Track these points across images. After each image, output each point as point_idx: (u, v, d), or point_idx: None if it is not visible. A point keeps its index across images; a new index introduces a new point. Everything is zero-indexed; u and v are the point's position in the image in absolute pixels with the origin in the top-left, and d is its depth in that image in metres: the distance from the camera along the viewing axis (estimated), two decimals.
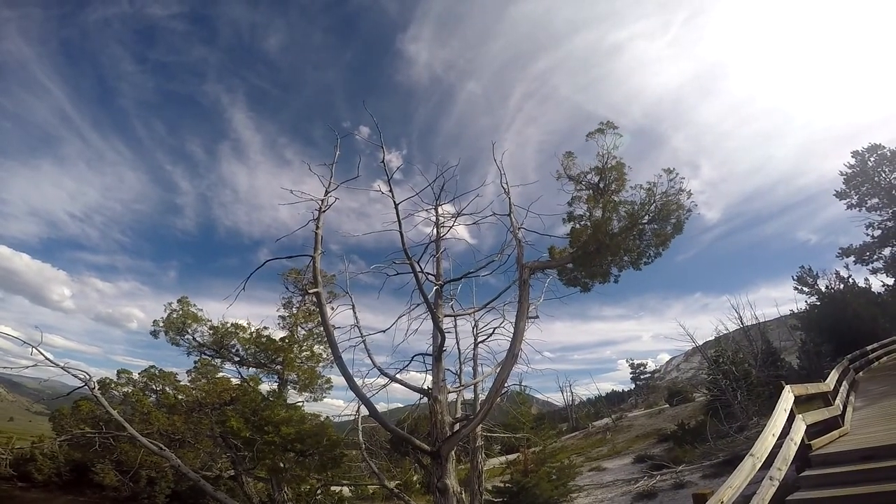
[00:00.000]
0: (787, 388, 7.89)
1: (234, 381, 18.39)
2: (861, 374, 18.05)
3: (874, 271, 27.65)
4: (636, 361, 58.55)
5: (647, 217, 12.68)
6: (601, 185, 12.95)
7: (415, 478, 28.72)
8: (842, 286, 30.24)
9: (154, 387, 22.40)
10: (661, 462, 23.47)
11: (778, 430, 6.44)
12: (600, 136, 12.70)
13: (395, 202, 11.03)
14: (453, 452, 11.73)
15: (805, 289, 31.59)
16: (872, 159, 25.97)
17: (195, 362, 19.04)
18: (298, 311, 19.25)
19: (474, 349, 17.00)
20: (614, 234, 12.54)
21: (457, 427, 12.37)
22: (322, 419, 16.67)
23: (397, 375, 13.12)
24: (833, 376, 11.62)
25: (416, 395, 13.35)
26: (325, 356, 19.13)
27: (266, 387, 18.54)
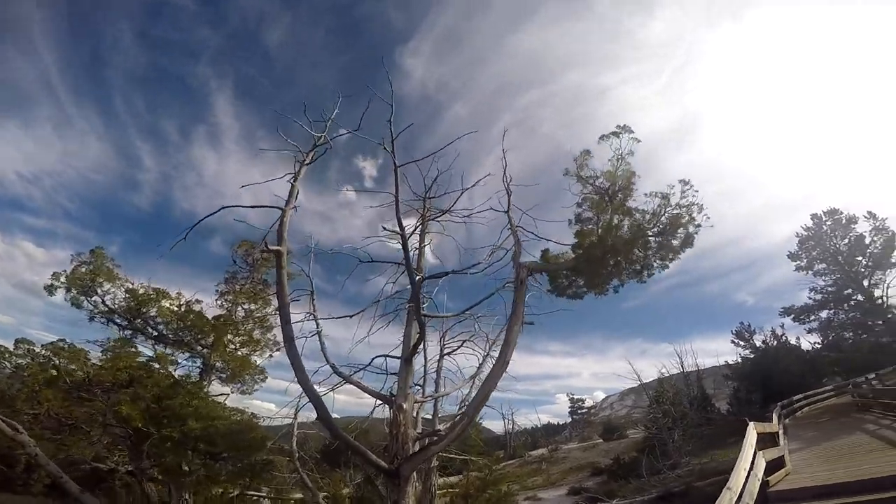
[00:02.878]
0: (752, 424, 8.24)
1: (142, 359, 14.02)
2: (787, 420, 18.60)
3: (809, 331, 28.01)
4: (575, 396, 57.13)
5: (656, 227, 10.99)
6: (611, 190, 11.11)
7: (344, 491, 25.89)
8: (775, 343, 31.11)
9: (59, 363, 17.76)
10: (596, 496, 22.40)
11: (748, 465, 6.53)
12: (615, 139, 11.02)
13: (395, 163, 8.49)
14: (414, 473, 9.01)
15: (742, 342, 32.79)
16: (828, 224, 26.38)
17: (112, 343, 14.79)
18: (242, 290, 15.42)
19: (439, 360, 14.47)
20: (622, 241, 10.72)
21: (419, 445, 9.72)
22: (246, 416, 13.16)
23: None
24: (775, 419, 11.87)
25: (371, 403, 10.65)
26: (265, 344, 15.55)
27: (183, 372, 14.62)
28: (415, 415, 10.41)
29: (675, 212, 10.76)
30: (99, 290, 14.91)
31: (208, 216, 7.49)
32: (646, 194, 10.96)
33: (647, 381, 33.65)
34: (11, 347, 21.35)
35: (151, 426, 10.22)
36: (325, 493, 16.44)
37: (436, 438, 8.94)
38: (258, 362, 15.26)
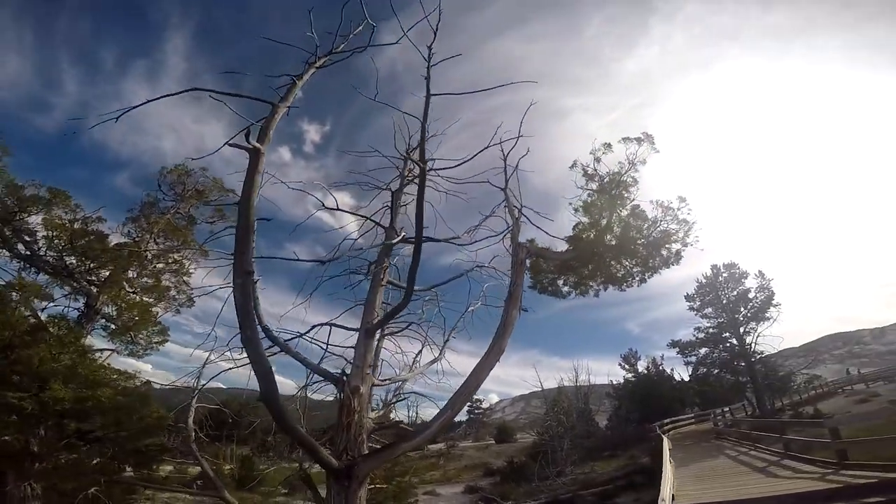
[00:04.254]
0: (666, 441, 9.27)
1: None
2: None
3: (687, 363, 30.10)
4: (474, 396, 56.27)
5: (647, 238, 9.96)
6: (613, 192, 9.92)
7: (226, 468, 22.07)
8: (655, 370, 33.23)
9: None
10: (491, 497, 21.85)
11: (671, 478, 7.07)
12: (632, 145, 9.95)
13: (428, 90, 6.21)
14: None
15: (627, 366, 34.49)
16: (724, 275, 28.58)
17: None
18: (159, 220, 11.28)
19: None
20: (616, 245, 9.53)
21: (368, 440, 7.42)
22: (137, 385, 9.28)
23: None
24: (666, 441, 12.15)
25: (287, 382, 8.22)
26: (174, 294, 11.67)
27: (54, 312, 9.90)
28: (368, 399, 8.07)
29: (670, 227, 9.84)
30: None
31: (174, 94, 4.76)
32: (652, 201, 9.95)
33: (533, 390, 34.20)
34: None
35: None
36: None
37: (409, 433, 6.70)
38: (160, 316, 11.34)
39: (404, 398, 10.53)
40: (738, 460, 12.30)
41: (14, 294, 8.33)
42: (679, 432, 25.65)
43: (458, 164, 8.91)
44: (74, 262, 9.87)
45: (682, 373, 33.37)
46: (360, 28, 6.72)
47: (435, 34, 6.13)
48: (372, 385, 7.77)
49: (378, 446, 7.20)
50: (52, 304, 9.34)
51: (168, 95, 4.97)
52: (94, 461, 7.56)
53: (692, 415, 29.76)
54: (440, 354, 9.73)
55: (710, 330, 28.59)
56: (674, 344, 30.21)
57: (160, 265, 11.09)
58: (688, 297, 30.10)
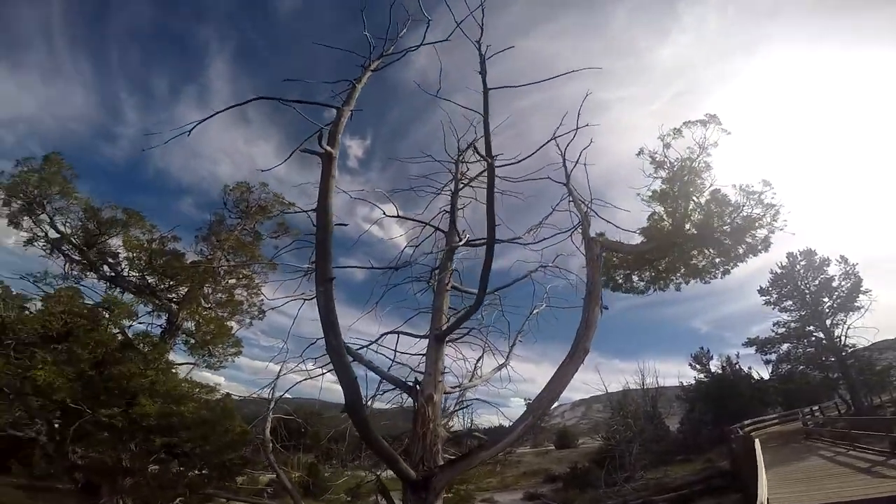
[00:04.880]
0: (757, 443, 9.15)
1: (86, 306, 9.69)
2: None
3: (767, 362, 27.62)
4: (531, 402, 54.29)
5: (725, 227, 9.06)
6: (686, 178, 9.12)
7: (295, 475, 22.84)
8: (730, 370, 30.84)
9: None
10: (553, 503, 21.78)
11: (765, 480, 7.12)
12: (698, 128, 9.18)
13: (485, 85, 5.92)
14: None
15: (698, 366, 32.17)
16: (801, 264, 26.00)
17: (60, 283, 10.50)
18: (228, 237, 11.73)
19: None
20: (697, 235, 8.73)
21: (450, 449, 7.16)
22: (220, 397, 9.54)
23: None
24: (757, 442, 11.62)
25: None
26: (247, 308, 12.06)
27: (140, 329, 10.36)
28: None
29: (754, 212, 8.90)
30: (46, 204, 10.54)
31: (237, 105, 4.80)
32: (734, 185, 9.07)
33: (595, 394, 32.59)
34: None
35: (86, 403, 6.71)
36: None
37: (486, 441, 6.34)
38: (235, 330, 11.72)
39: (467, 406, 10.18)
40: (836, 461, 11.66)
41: (106, 313, 8.87)
42: (763, 433, 23.83)
43: (518, 161, 8.49)
44: (155, 280, 10.41)
45: (760, 371, 30.68)
46: (405, 30, 6.57)
47: (482, 29, 5.84)
48: (444, 393, 7.50)
49: (452, 456, 6.91)
50: (136, 321, 9.93)
51: (235, 106, 4.97)
52: (182, 476, 7.71)
53: (775, 415, 27.37)
54: (506, 360, 9.30)
55: (792, 324, 26.05)
56: (751, 342, 27.86)
57: (232, 280, 11.53)
58: (762, 291, 27.63)
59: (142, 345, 8.93)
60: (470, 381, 9.04)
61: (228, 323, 11.14)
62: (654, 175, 9.26)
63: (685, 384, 32.93)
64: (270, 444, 9.46)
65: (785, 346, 26.41)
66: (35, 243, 10.66)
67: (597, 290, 6.80)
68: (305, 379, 8.11)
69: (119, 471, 7.66)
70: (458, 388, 8.17)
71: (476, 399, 9.85)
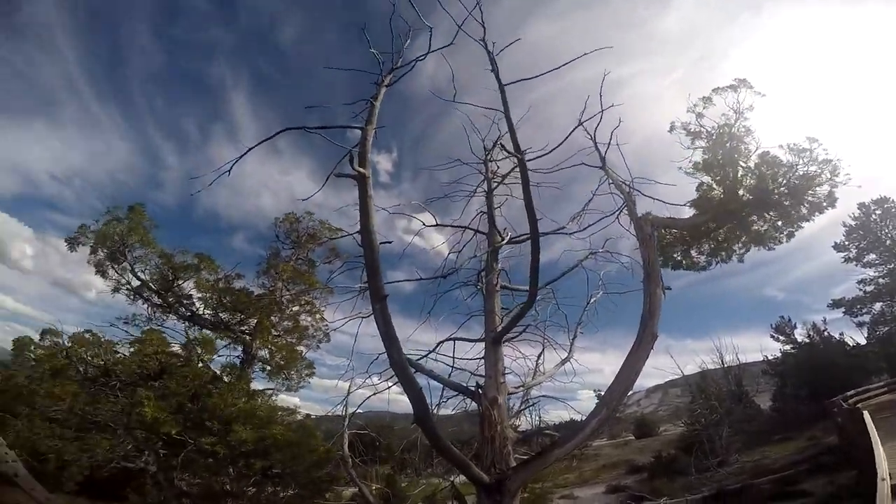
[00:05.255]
0: (867, 415, 8.57)
1: (175, 346, 10.95)
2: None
3: (860, 325, 24.89)
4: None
5: (782, 188, 8.41)
6: (727, 145, 8.58)
7: (374, 488, 23.40)
8: (818, 338, 28.13)
9: (85, 355, 15.12)
10: (640, 494, 20.29)
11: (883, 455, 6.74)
12: (729, 93, 8.72)
13: (500, 82, 5.95)
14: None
15: (781, 337, 29.60)
16: (877, 213, 23.36)
17: (142, 323, 11.91)
18: (285, 267, 12.45)
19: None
20: (751, 200, 8.19)
21: (520, 449, 7.16)
22: (300, 418, 10.24)
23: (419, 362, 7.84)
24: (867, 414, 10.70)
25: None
26: (312, 332, 12.88)
27: (222, 362, 11.24)
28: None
29: (810, 169, 8.23)
30: (128, 254, 11.94)
31: (268, 138, 5.12)
32: (781, 146, 8.46)
33: (671, 378, 30.81)
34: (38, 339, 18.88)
35: (188, 434, 7.46)
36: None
37: (559, 439, 6.27)
38: (304, 353, 12.55)
39: (533, 404, 10.04)
40: None
41: (198, 349, 9.86)
42: (870, 404, 21.47)
43: (548, 153, 8.37)
44: (227, 316, 11.40)
45: (854, 336, 27.64)
46: (409, 42, 6.71)
47: (483, 28, 5.86)
48: (507, 394, 7.52)
49: (524, 457, 6.89)
50: (217, 355, 10.91)
51: (265, 140, 5.24)
52: (277, 496, 8.27)
53: (882, 383, 24.47)
54: (569, 353, 9.14)
55: (881, 280, 23.29)
56: (836, 304, 25.16)
57: (295, 308, 12.32)
58: (838, 246, 24.94)
59: (227, 376, 9.78)
60: (533, 378, 8.97)
61: (298, 348, 11.95)
62: (693, 146, 8.89)
63: (770, 358, 30.16)
64: (350, 460, 9.90)
65: (878, 306, 23.65)
66: (120, 291, 12.00)
67: (655, 270, 6.54)
68: (374, 394, 8.44)
69: (222, 495, 8.37)
70: (521, 388, 8.14)
71: (542, 396, 9.72)
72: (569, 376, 9.09)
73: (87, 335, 14.97)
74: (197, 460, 7.75)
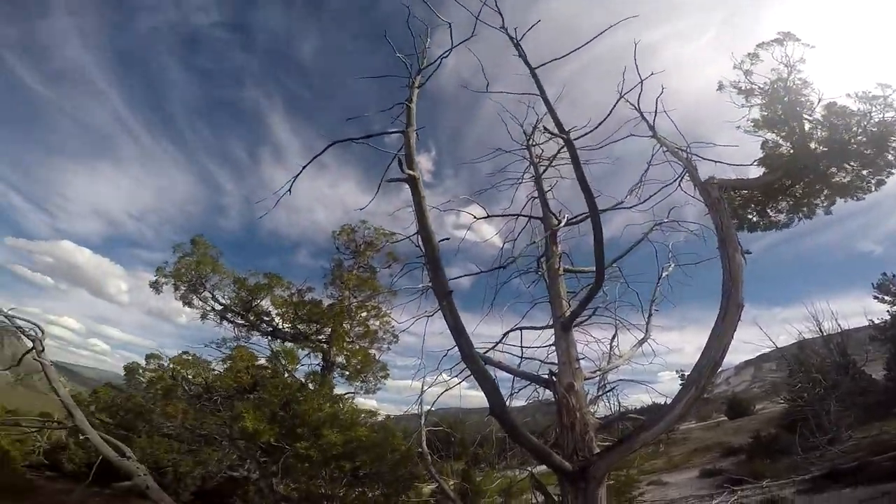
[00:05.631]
0: None
1: (262, 360, 12.13)
2: None
3: None
4: (686, 373, 49.23)
5: (860, 136, 7.58)
6: (786, 99, 7.84)
7: (451, 484, 23.51)
8: None
9: (187, 375, 17.09)
10: (739, 477, 19.01)
11: None
12: (776, 47, 8.12)
13: (529, 65, 5.89)
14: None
15: (887, 297, 26.17)
16: None
17: (228, 345, 13.29)
18: (349, 276, 13.19)
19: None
20: (822, 153, 7.48)
21: (601, 436, 6.98)
22: (380, 419, 10.81)
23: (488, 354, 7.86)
24: None
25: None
26: (382, 335, 13.53)
27: (305, 371, 12.30)
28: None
29: (887, 116, 7.34)
30: (206, 284, 13.24)
31: (318, 155, 5.40)
32: (852, 94, 7.65)
33: (763, 352, 28.21)
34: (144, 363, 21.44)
35: (284, 441, 8.11)
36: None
37: (645, 422, 6.04)
38: (378, 356, 13.25)
39: (610, 389, 9.71)
40: None
41: (281, 361, 10.81)
42: None
43: (594, 129, 8.05)
44: (305, 327, 12.30)
45: None
46: (429, 41, 6.81)
47: (501, 15, 5.81)
48: (584, 380, 7.33)
49: (608, 443, 6.69)
50: (300, 365, 11.81)
51: (316, 157, 5.45)
52: (365, 496, 8.74)
53: None
54: (646, 334, 8.73)
55: None
56: None
57: (363, 314, 13.00)
58: None
59: (311, 383, 10.59)
60: (608, 363, 8.69)
61: (371, 351, 12.62)
62: (748, 104, 8.24)
63: (877, 322, 26.69)
64: (429, 456, 10.16)
65: None
66: (207, 317, 13.37)
67: (730, 234, 6.08)
68: (446, 390, 8.60)
69: (320, 498, 9.01)
70: (597, 373, 7.89)
71: (620, 381, 9.37)
72: (647, 358, 8.70)
73: (184, 356, 16.81)
74: (294, 465, 8.37)
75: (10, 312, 6.92)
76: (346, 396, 11.38)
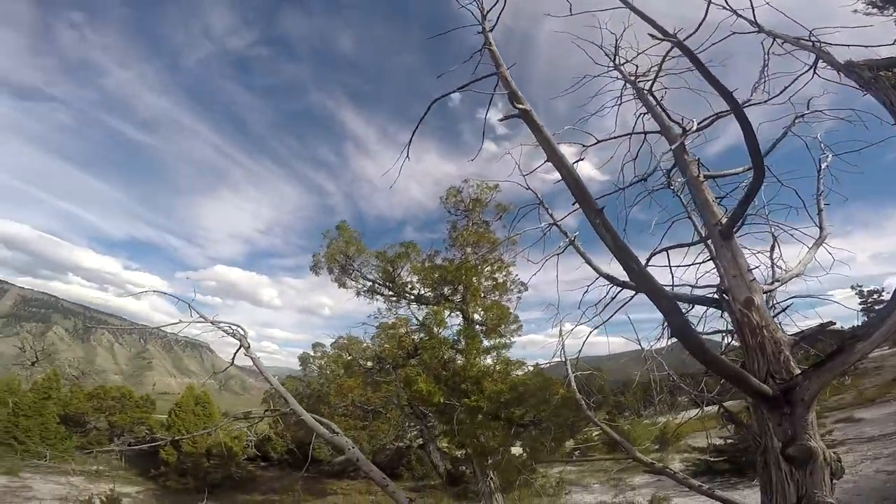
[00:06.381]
0: None
1: (414, 325, 13.06)
2: None
3: None
4: (866, 289, 38.30)
5: None
6: None
7: (595, 434, 22.38)
8: None
9: (346, 356, 19.57)
10: None
11: None
12: None
13: None
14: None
15: None
16: None
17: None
18: (468, 232, 13.60)
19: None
20: None
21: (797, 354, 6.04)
22: (530, 368, 10.92)
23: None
24: None
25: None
26: (509, 285, 13.51)
27: (449, 332, 12.56)
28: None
29: None
30: (354, 265, 14.62)
31: (424, 116, 5.32)
32: None
33: None
34: (311, 352, 25.04)
35: (453, 398, 8.59)
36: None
37: (855, 331, 5.00)
38: (511, 310, 13.52)
39: (784, 308, 8.32)
40: None
41: (432, 323, 11.68)
42: None
43: (695, 31, 6.77)
44: (443, 289, 13.13)
45: None
46: None
47: None
48: (764, 293, 6.34)
49: (806, 366, 5.70)
50: (447, 325, 12.64)
51: (423, 117, 5.26)
52: (539, 441, 8.77)
53: None
54: (822, 232, 7.27)
55: None
56: None
57: (488, 268, 13.34)
58: None
59: (461, 341, 11.27)
60: (776, 274, 7.44)
61: (504, 304, 12.98)
62: None
63: None
64: (584, 402, 9.90)
65: None
66: (360, 294, 14.96)
67: None
68: (592, 329, 8.21)
69: (485, 452, 9.39)
70: (777, 283, 6.73)
71: (793, 298, 8.02)
72: (821, 270, 7.30)
73: (342, 339, 19.08)
74: (464, 420, 8.80)
75: (214, 319, 8.29)
76: (498, 346, 11.64)
